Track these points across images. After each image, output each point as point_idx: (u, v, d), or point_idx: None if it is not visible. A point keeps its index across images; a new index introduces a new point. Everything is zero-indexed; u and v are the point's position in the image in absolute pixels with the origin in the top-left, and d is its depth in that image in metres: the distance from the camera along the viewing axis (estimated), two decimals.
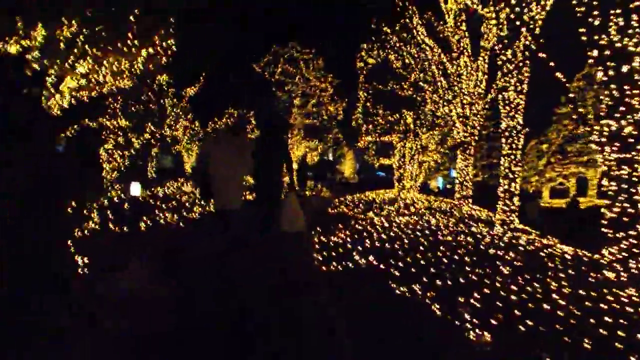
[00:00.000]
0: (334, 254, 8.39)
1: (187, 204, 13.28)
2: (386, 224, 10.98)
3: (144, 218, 10.93)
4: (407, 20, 19.83)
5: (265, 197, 8.01)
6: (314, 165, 39.62)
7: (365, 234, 9.82)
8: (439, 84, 18.65)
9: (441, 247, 8.04)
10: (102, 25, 11.87)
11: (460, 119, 17.75)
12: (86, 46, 11.74)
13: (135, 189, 9.94)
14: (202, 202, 13.94)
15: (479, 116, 17.55)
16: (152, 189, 14.85)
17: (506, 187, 12.17)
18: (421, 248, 8.10)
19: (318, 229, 10.94)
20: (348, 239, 9.37)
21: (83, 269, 6.48)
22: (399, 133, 25.39)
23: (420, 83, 21.32)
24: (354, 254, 8.15)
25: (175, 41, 14.77)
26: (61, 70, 12.21)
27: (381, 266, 7.36)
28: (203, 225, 11.92)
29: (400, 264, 7.32)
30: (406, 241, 8.69)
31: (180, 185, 16.78)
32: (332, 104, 37.25)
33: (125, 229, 9.94)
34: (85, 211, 11.49)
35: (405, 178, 25.78)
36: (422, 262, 7.34)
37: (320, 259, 8.25)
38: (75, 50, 11.88)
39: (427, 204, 16.69)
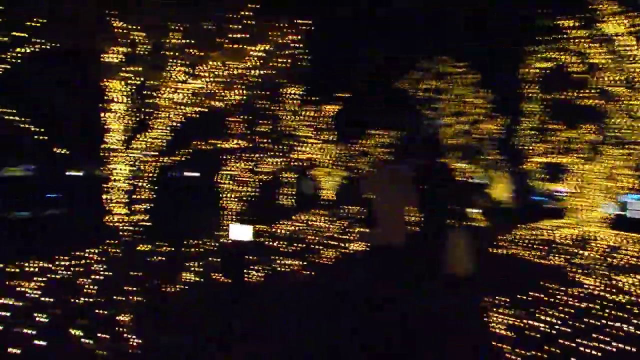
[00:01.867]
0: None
1: (317, 246, 10.36)
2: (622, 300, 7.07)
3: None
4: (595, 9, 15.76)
5: (432, 232, 7.16)
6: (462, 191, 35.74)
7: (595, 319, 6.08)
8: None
9: None
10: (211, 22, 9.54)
11: None
12: (190, 49, 9.46)
13: (240, 232, 7.22)
14: (339, 243, 11.01)
15: None
16: (274, 224, 12.17)
17: None
18: None
19: (504, 298, 7.32)
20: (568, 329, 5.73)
21: None
22: (578, 153, 20.78)
23: (611, 88, 16.87)
24: None
25: (306, 48, 12.21)
26: (159, 81, 10.08)
27: None
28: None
29: None
30: None
31: (313, 218, 14.01)
32: (488, 122, 33.33)
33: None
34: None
35: (585, 207, 20.96)
36: None
37: None
38: (177, 54, 9.66)
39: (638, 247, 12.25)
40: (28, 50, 8.10)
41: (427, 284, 6.97)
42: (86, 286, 6.23)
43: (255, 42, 9.26)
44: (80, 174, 22.65)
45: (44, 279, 5.85)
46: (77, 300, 5.48)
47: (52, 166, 16.81)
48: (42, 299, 5.47)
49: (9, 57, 8.03)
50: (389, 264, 6.34)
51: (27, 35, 8.00)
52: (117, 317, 5.53)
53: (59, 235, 11.44)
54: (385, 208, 6.18)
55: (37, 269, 6.29)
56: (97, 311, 5.43)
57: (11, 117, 8.57)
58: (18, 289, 5.64)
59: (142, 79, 9.73)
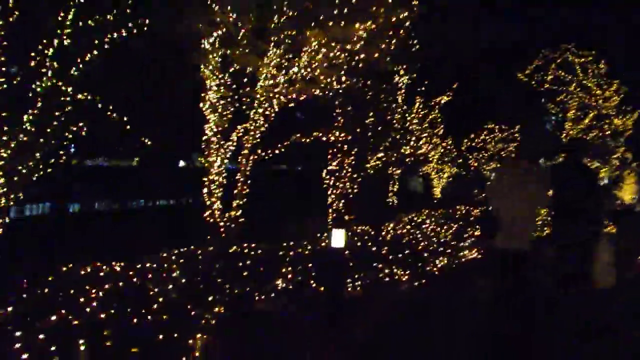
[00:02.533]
0: None
1: (426, 253, 9.14)
2: None
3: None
4: None
5: (572, 238, 6.33)
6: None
7: None
8: None
9: None
10: None
11: None
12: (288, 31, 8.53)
13: (339, 238, 6.25)
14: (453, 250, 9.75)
15: None
16: (382, 227, 11.03)
17: None
18: None
19: None
20: None
21: None
22: None
23: None
24: None
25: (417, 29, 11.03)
26: (256, 67, 9.24)
27: None
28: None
29: None
30: None
31: (422, 219, 12.65)
32: (618, 117, 30.11)
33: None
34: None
35: None
36: None
37: None
38: (274, 37, 8.77)
39: None
40: (115, 36, 7.51)
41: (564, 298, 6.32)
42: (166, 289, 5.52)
43: (360, 20, 8.15)
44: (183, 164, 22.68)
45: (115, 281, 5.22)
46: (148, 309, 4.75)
47: (154, 158, 16.76)
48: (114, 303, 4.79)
49: (95, 43, 7.52)
50: (518, 275, 5.43)
51: (113, 19, 7.42)
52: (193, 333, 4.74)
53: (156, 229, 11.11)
54: (515, 211, 5.42)
55: (111, 270, 5.68)
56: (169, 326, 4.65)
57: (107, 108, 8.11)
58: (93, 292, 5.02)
59: (237, 65, 9.03)
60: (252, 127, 9.65)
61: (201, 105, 9.12)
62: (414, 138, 16.23)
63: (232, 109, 9.58)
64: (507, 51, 26.93)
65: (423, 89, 16.10)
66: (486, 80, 24.76)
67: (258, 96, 9.28)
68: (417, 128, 16.31)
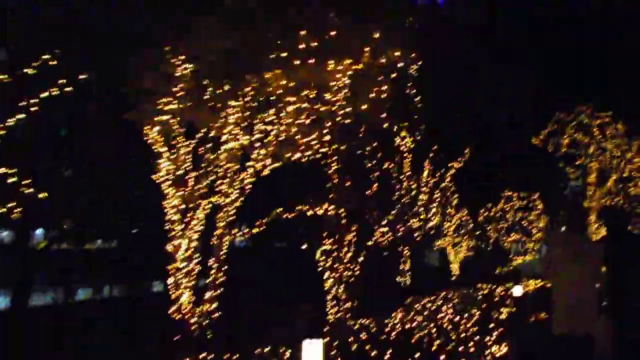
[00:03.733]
0: None
1: (442, 355, 7.04)
2: None
3: None
4: None
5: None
6: None
7: None
8: None
9: None
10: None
11: None
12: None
13: (313, 356, 4.32)
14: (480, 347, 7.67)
15: None
16: (387, 321, 8.92)
17: None
18: None
19: None
20: None
21: None
22: None
23: None
24: None
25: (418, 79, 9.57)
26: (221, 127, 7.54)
27: None
28: None
29: None
30: None
31: (437, 305, 10.52)
32: None
33: None
34: None
35: None
36: None
37: None
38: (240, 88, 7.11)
39: None
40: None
41: None
42: None
43: (336, 59, 6.49)
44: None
45: None
46: None
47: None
48: None
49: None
50: None
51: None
52: None
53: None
54: (577, 292, 5.04)
55: None
56: None
57: None
58: None
59: (200, 126, 7.47)
60: (223, 202, 7.97)
61: (154, 177, 7.48)
62: (422, 209, 14.49)
63: (206, 181, 7.98)
64: (521, 113, 25.75)
65: (431, 155, 14.61)
66: (500, 144, 23.44)
67: (227, 163, 7.62)
68: (427, 196, 14.59)
